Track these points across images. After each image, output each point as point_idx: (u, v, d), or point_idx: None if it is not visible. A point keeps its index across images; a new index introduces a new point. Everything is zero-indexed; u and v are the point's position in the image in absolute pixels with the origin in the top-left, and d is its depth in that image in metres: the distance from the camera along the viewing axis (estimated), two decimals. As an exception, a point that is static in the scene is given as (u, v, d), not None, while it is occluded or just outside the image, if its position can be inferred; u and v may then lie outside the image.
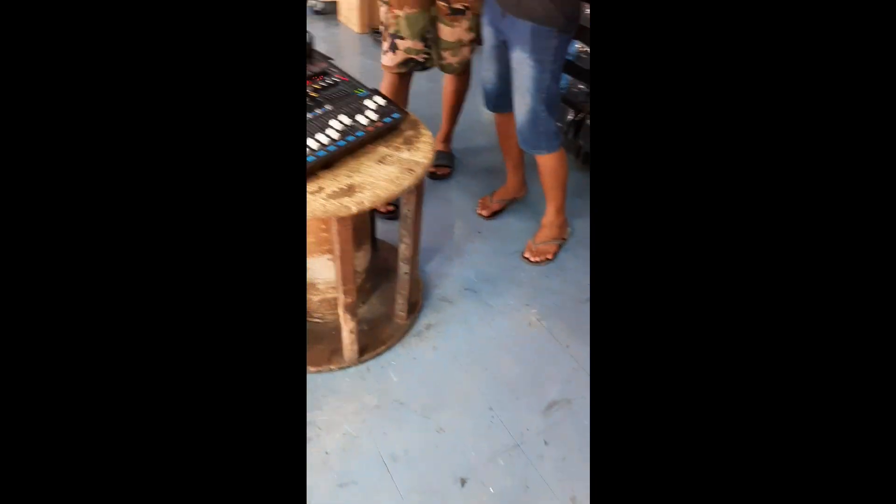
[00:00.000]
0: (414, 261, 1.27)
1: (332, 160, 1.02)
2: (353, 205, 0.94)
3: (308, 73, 1.14)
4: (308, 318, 1.35)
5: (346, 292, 1.09)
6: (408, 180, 1.02)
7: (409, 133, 1.17)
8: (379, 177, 1.01)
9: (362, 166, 1.04)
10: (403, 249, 1.23)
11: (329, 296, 1.29)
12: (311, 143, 0.97)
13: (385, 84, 1.67)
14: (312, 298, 1.30)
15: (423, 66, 1.63)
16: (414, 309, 1.41)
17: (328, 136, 1.01)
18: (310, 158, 0.95)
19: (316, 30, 3.28)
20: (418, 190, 1.12)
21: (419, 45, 1.56)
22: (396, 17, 1.50)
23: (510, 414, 1.19)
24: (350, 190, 0.97)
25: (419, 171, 1.05)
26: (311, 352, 1.26)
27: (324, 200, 0.94)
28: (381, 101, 1.14)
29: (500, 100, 1.50)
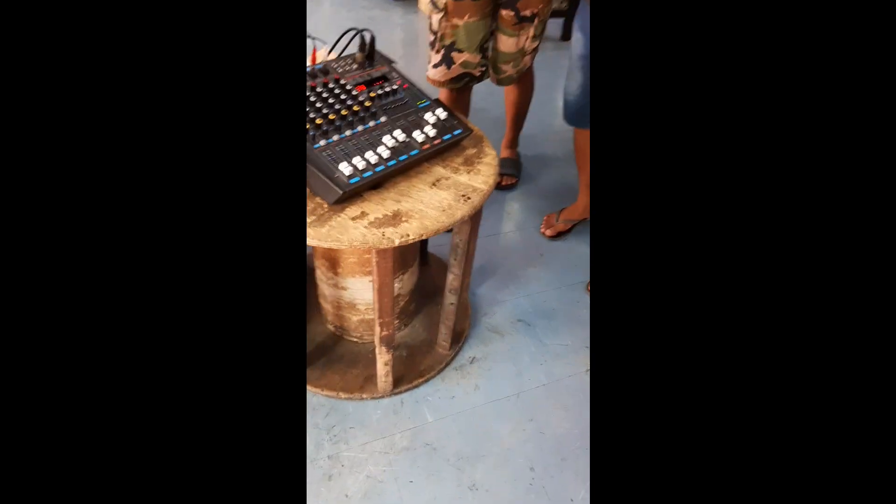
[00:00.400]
0: (463, 291, 1.15)
1: (381, 181, 0.91)
2: (396, 237, 0.83)
3: (366, 77, 1.03)
4: (346, 337, 1.27)
5: (382, 325, 0.99)
6: (462, 210, 0.89)
7: (471, 151, 1.04)
8: (430, 203, 0.89)
9: (413, 189, 0.92)
10: (451, 280, 1.11)
11: (369, 317, 1.20)
12: (357, 161, 0.86)
13: (442, 95, 1.53)
14: (352, 318, 1.21)
15: (478, 80, 1.48)
16: (459, 339, 1.29)
17: (378, 154, 0.89)
18: (354, 180, 0.85)
19: (393, 16, 3.19)
20: (473, 220, 0.99)
21: (477, 58, 1.38)
22: (454, 26, 1.33)
23: (554, 480, 1.05)
24: (395, 218, 0.86)
25: (476, 199, 0.92)
26: (345, 376, 1.18)
27: (364, 229, 0.83)
28: (443, 115, 1.01)
29: (583, 114, 1.33)
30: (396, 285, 1.18)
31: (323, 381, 1.16)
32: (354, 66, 1.04)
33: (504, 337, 1.32)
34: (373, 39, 1.06)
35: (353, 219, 0.85)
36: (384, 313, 0.96)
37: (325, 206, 0.86)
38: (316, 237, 0.81)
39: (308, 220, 0.83)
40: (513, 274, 1.50)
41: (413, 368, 1.21)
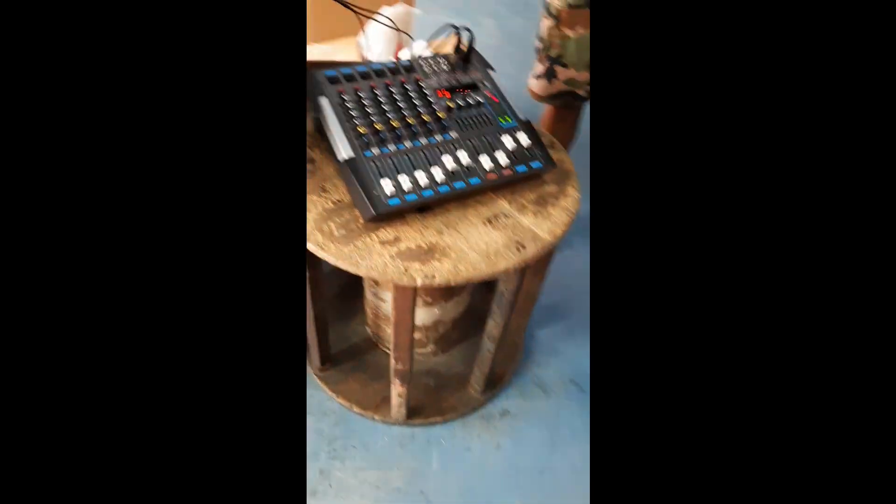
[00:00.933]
0: (504, 339, 1.01)
1: (428, 206, 0.80)
2: (419, 276, 0.72)
3: (452, 81, 0.91)
4: (380, 346, 1.20)
5: (397, 359, 0.90)
6: (507, 261, 0.75)
7: (550, 189, 0.88)
8: (475, 244, 0.77)
9: (463, 222, 0.80)
10: (491, 327, 0.98)
11: (404, 336, 1.11)
12: (404, 180, 0.76)
13: (546, 111, 1.34)
14: (387, 330, 1.13)
15: (585, 100, 1.27)
16: (496, 384, 1.15)
17: (431, 175, 0.78)
18: (394, 201, 0.75)
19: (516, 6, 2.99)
20: (524, 273, 0.84)
21: (584, 76, 1.18)
22: (565, 37, 1.14)
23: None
24: (429, 252, 0.75)
25: (532, 250, 0.77)
26: (365, 389, 1.11)
27: (390, 258, 0.73)
28: (525, 141, 0.86)
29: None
30: (436, 311, 1.07)
31: (341, 388, 1.11)
32: (445, 68, 0.93)
33: (549, 396, 1.16)
34: (471, 40, 0.94)
35: (383, 243, 0.75)
36: (399, 348, 0.87)
37: (360, 221, 0.78)
38: (335, 255, 0.73)
39: (337, 233, 0.76)
40: (584, 325, 1.31)
41: (436, 402, 1.11)
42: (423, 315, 1.07)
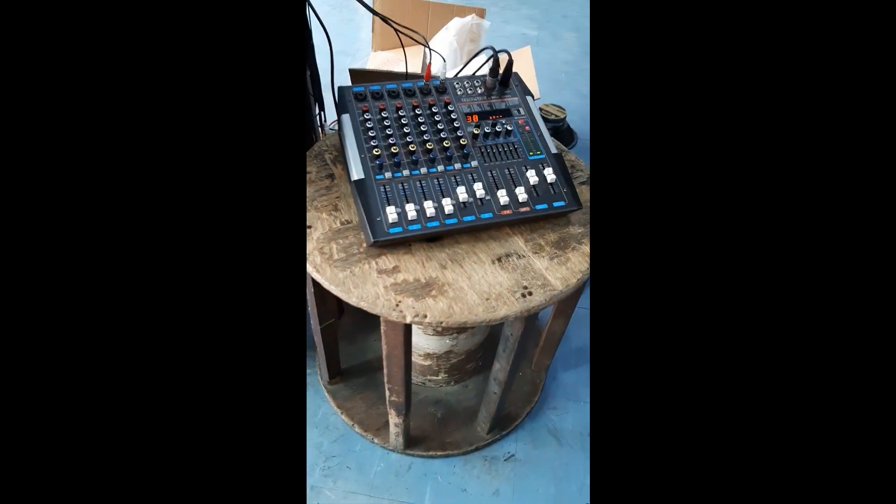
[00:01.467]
0: (509, 385, 0.95)
1: (434, 237, 0.76)
2: (410, 313, 0.68)
3: (485, 106, 0.87)
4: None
5: (391, 390, 0.86)
6: (508, 308, 0.69)
7: (575, 231, 0.81)
8: (477, 284, 0.72)
9: (470, 257, 0.75)
10: (497, 370, 0.92)
11: (421, 362, 1.08)
12: (410, 209, 0.73)
13: None
14: (400, 352, 1.11)
15: None
16: (506, 425, 1.09)
17: (441, 206, 0.74)
18: (395, 230, 0.72)
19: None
20: (525, 324, 0.78)
21: None
22: None
23: None
24: (426, 288, 0.71)
25: (538, 299, 0.71)
26: (370, 410, 1.09)
27: (384, 289, 0.70)
28: (551, 177, 0.80)
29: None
30: (448, 342, 1.03)
31: (348, 405, 1.10)
32: (479, 91, 0.89)
33: (561, 446, 1.08)
34: (510, 63, 0.89)
35: (381, 272, 0.72)
36: (392, 381, 0.83)
37: (364, 246, 0.76)
38: (330, 279, 0.71)
39: (336, 256, 0.74)
40: (613, 373, 1.22)
41: (440, 435, 1.06)
42: (433, 344, 1.03)
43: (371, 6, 1.86)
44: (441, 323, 0.68)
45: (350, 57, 2.39)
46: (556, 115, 2.11)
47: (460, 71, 0.98)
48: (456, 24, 1.82)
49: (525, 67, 1.67)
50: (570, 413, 1.14)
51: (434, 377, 1.13)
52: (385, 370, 0.83)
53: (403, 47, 1.12)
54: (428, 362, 1.08)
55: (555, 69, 2.41)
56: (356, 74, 1.44)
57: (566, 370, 1.21)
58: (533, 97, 0.92)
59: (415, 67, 1.76)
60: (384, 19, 1.03)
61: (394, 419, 0.94)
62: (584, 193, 0.90)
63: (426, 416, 1.09)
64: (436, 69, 1.93)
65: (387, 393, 0.88)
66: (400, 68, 1.67)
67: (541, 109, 2.16)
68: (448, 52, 1.91)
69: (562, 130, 2.15)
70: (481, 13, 1.83)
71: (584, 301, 1.33)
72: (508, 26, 2.91)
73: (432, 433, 1.06)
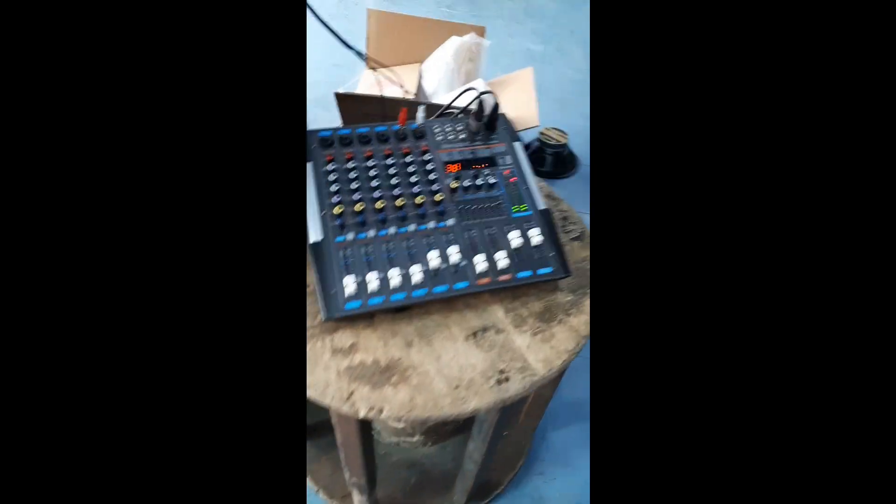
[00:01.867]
0: (486, 463, 0.85)
1: (400, 309, 0.67)
2: (363, 407, 0.59)
3: (467, 154, 0.77)
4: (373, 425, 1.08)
5: (351, 472, 0.77)
6: (481, 399, 0.60)
7: (564, 299, 0.72)
8: (446, 368, 0.62)
9: (441, 332, 0.66)
10: (472, 450, 0.82)
11: (389, 423, 0.99)
12: (372, 279, 0.63)
13: None
14: (373, 410, 1.01)
15: None
16: (485, 495, 0.99)
17: (409, 274, 0.65)
18: (352, 305, 0.63)
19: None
20: (500, 414, 0.68)
21: None
22: None
23: None
24: (386, 372, 0.61)
25: (516, 386, 0.61)
26: (335, 473, 0.99)
27: (336, 374, 0.61)
28: (536, 239, 0.71)
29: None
30: (423, 407, 0.93)
31: (313, 467, 1.00)
32: (462, 137, 0.80)
33: (547, 520, 0.98)
34: (495, 107, 0.80)
35: (336, 351, 0.63)
36: (351, 464, 0.74)
37: (318, 317, 0.66)
38: (276, 358, 0.62)
39: (287, 328, 0.65)
40: (607, 434, 1.12)
41: (411, 502, 0.97)
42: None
43: (365, 47, 1.77)
44: (400, 417, 0.59)
45: (346, 70, 2.30)
46: (558, 140, 2.02)
47: (447, 108, 0.89)
48: (454, 43, 1.73)
49: (525, 91, 1.58)
50: (556, 480, 1.04)
51: (409, 438, 1.03)
52: (342, 455, 0.73)
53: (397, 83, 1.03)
54: (402, 424, 0.99)
55: (560, 88, 2.32)
56: (343, 99, 1.35)
57: (556, 429, 1.12)
58: (521, 141, 0.82)
59: (410, 86, 1.67)
60: (374, 67, 0.94)
61: (357, 497, 0.85)
62: (577, 251, 0.80)
63: (398, 482, 0.99)
64: (430, 89, 1.85)
65: (346, 474, 0.79)
66: (393, 89, 1.58)
67: (541, 134, 2.06)
68: (444, 73, 1.82)
69: (563, 156, 2.05)
70: (481, 31, 1.75)
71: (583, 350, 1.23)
72: (513, 41, 2.82)
73: (403, 500, 0.97)
